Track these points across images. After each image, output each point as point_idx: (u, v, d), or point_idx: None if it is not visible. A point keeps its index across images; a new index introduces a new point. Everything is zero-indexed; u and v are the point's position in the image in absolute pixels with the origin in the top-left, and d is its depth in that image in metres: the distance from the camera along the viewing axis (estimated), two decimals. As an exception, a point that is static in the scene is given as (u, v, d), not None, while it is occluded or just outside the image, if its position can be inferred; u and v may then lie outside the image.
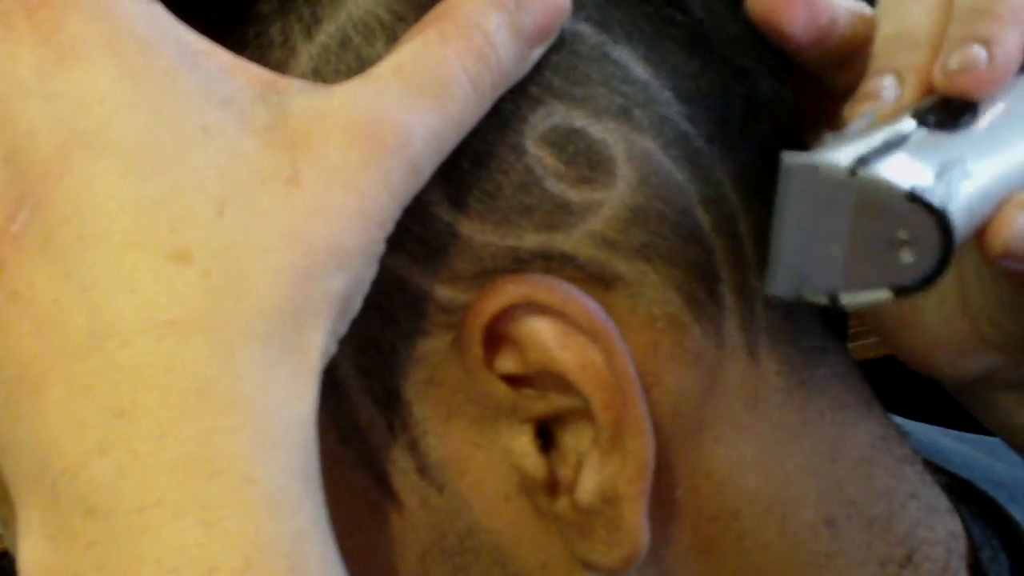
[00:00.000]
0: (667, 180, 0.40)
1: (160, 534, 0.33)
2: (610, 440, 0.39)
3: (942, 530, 0.46)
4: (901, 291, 0.38)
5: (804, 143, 0.44)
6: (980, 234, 0.39)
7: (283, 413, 0.35)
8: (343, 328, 0.37)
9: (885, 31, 0.43)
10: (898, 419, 0.47)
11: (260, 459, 0.34)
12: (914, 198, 0.37)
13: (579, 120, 0.40)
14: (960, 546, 0.46)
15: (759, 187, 0.42)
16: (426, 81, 0.37)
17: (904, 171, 0.38)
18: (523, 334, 0.39)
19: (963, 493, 0.50)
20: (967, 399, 0.48)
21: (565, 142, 0.40)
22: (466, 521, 0.41)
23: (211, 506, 0.33)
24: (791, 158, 0.39)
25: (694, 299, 0.41)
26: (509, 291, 0.39)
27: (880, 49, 0.42)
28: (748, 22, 0.43)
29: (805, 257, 0.39)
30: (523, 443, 0.40)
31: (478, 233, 0.39)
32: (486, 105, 0.38)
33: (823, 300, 0.39)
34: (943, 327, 0.45)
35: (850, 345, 0.47)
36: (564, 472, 0.40)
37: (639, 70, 0.41)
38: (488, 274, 0.40)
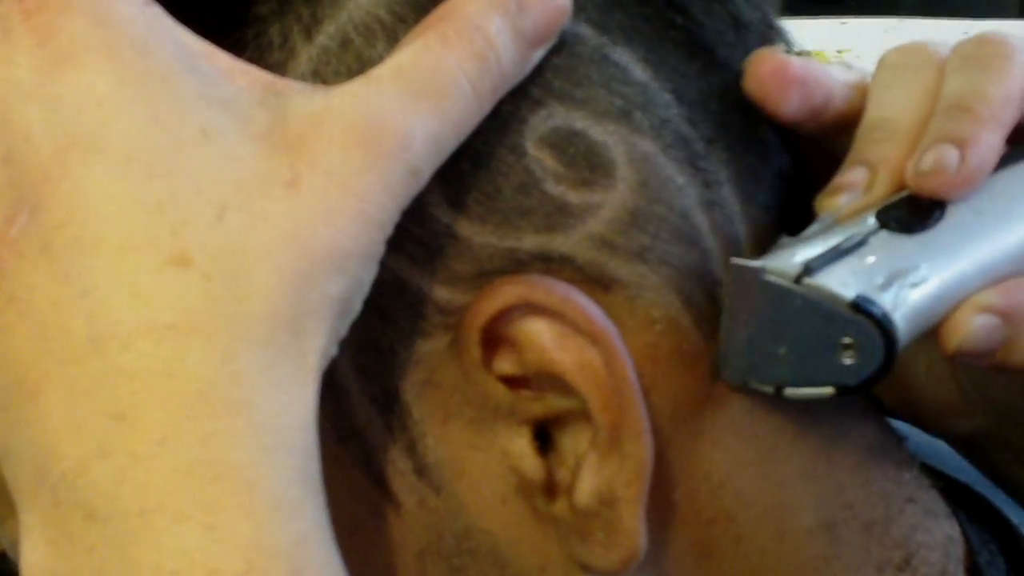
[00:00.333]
0: (667, 182, 0.41)
1: (161, 538, 0.33)
2: (608, 442, 0.39)
3: (940, 534, 0.46)
4: (844, 390, 0.39)
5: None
6: (935, 333, 0.40)
7: (284, 416, 0.35)
8: (343, 330, 0.37)
9: (869, 116, 0.43)
10: (896, 423, 0.47)
11: (261, 462, 0.34)
12: (858, 308, 0.38)
13: (579, 122, 0.40)
14: (958, 550, 0.46)
15: (758, 190, 0.42)
16: (426, 84, 0.37)
17: (851, 279, 0.39)
18: (521, 335, 0.39)
19: (961, 497, 0.50)
20: (969, 455, 0.49)
21: (565, 144, 0.40)
22: (463, 522, 0.41)
23: (212, 510, 0.33)
24: (739, 261, 0.40)
25: (693, 301, 0.41)
26: (507, 292, 0.39)
27: (860, 137, 0.43)
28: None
29: (753, 351, 0.40)
30: (521, 445, 0.40)
31: (477, 234, 0.40)
32: (486, 108, 0.38)
33: (769, 391, 0.41)
34: (933, 388, 0.46)
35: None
36: (562, 474, 0.40)
37: (639, 72, 0.41)
38: (487, 275, 0.40)
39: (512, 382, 0.40)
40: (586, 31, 0.40)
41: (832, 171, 0.43)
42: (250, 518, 0.34)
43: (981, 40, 0.44)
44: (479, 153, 0.39)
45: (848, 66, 0.45)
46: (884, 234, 0.40)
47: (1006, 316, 0.40)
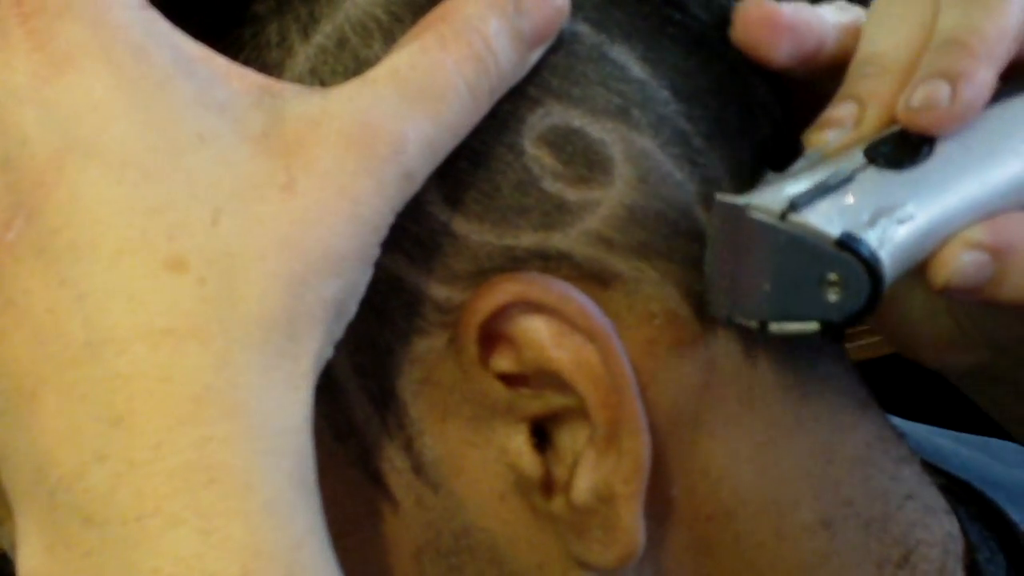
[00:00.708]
0: (665, 179, 0.41)
1: (157, 543, 0.33)
2: (606, 439, 0.40)
3: (939, 531, 0.46)
4: (828, 327, 0.39)
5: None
6: (924, 269, 0.40)
7: (279, 420, 0.35)
8: (339, 332, 0.37)
9: (861, 52, 0.43)
10: (896, 420, 0.47)
11: (257, 466, 0.34)
12: (843, 245, 0.38)
13: (577, 120, 0.40)
14: (957, 547, 0.46)
15: (757, 184, 0.42)
16: (422, 88, 0.37)
17: (837, 215, 0.38)
18: (519, 333, 0.39)
19: (961, 494, 0.50)
20: (967, 389, 0.48)
21: (563, 142, 0.40)
22: (461, 520, 0.41)
23: (208, 514, 0.33)
24: (724, 197, 0.40)
25: (692, 297, 0.41)
26: (505, 290, 0.39)
27: (851, 73, 0.42)
28: None
29: (737, 286, 0.40)
30: (519, 442, 0.40)
31: (475, 232, 0.40)
32: (483, 111, 0.38)
33: (753, 325, 0.40)
34: (929, 323, 0.45)
35: (848, 345, 0.47)
36: (560, 471, 0.40)
37: (637, 69, 0.41)
38: (485, 273, 0.40)
39: (510, 380, 0.40)
40: (584, 29, 0.40)
41: None
42: (246, 522, 0.34)
43: None
44: (477, 152, 0.39)
45: (843, 7, 0.45)
46: (872, 170, 0.40)
47: (994, 252, 0.39)
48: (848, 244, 0.38)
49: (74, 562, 0.34)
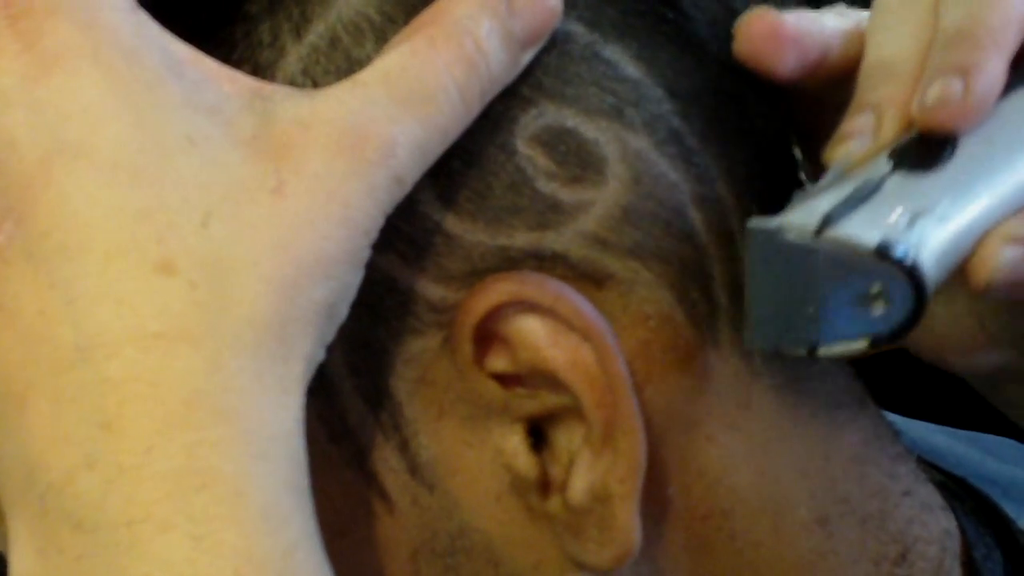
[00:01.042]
0: (660, 178, 0.40)
1: (148, 548, 0.33)
2: (601, 439, 0.39)
3: (936, 528, 0.46)
4: (878, 340, 0.38)
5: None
6: (964, 269, 0.39)
7: (271, 424, 0.35)
8: (330, 335, 0.37)
9: (869, 60, 0.42)
10: (891, 416, 0.47)
11: (248, 471, 0.34)
12: (882, 254, 0.37)
13: (570, 120, 0.40)
14: (954, 544, 0.46)
15: (753, 184, 0.42)
16: (413, 90, 0.37)
17: (872, 225, 0.38)
18: (514, 332, 0.39)
19: (957, 490, 0.50)
20: (986, 392, 0.48)
21: (556, 142, 0.40)
22: (457, 521, 0.41)
23: (199, 519, 0.33)
24: (756, 223, 0.39)
25: (686, 297, 0.41)
26: (499, 289, 0.39)
27: (862, 81, 0.42)
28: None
29: (781, 314, 0.39)
30: (514, 442, 0.40)
31: (469, 232, 0.39)
32: (474, 113, 0.38)
33: (802, 352, 0.39)
34: (952, 325, 0.44)
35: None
36: (556, 471, 0.40)
37: (631, 68, 0.41)
38: (479, 273, 0.39)
39: (505, 379, 0.40)
40: (577, 28, 0.40)
41: (834, 122, 0.42)
42: (238, 528, 0.34)
43: None
44: (470, 152, 0.39)
45: (843, 12, 0.44)
46: (899, 175, 0.39)
47: None
48: (887, 252, 0.37)
49: (65, 567, 0.34)
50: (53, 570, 0.34)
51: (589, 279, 0.40)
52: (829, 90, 0.43)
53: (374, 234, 0.37)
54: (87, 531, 0.34)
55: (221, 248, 0.35)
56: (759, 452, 0.42)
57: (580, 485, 0.40)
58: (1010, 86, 0.41)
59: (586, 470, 0.40)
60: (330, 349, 0.37)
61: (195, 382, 0.34)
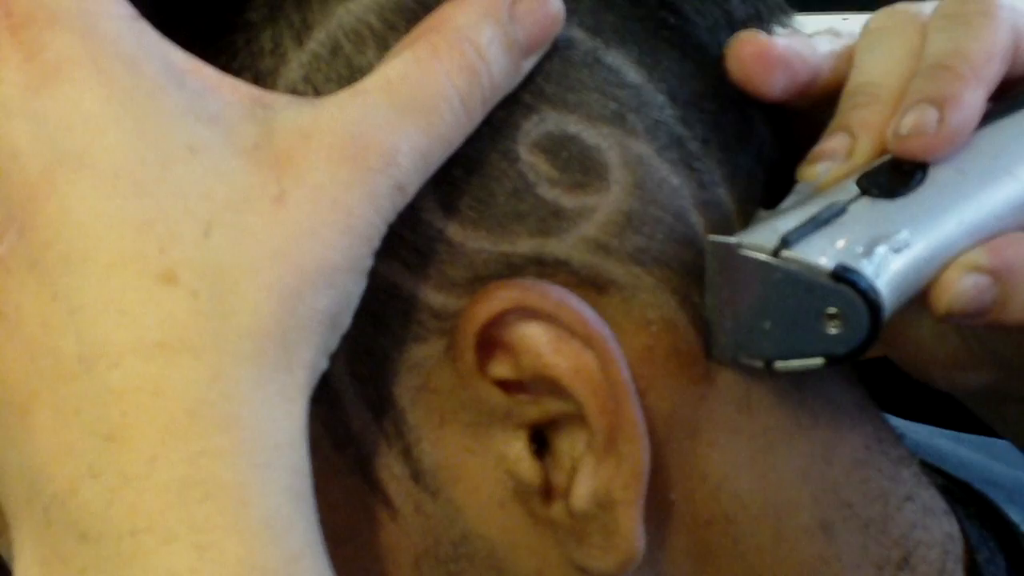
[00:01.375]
0: (662, 184, 0.40)
1: (152, 558, 0.33)
2: (604, 445, 0.39)
3: (939, 532, 0.46)
4: (834, 360, 0.39)
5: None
6: (924, 296, 0.39)
7: (274, 433, 0.35)
8: (333, 344, 0.37)
9: (852, 82, 0.42)
10: (894, 420, 0.47)
11: (252, 480, 0.34)
12: (838, 277, 0.38)
13: (572, 126, 0.40)
14: (957, 548, 0.46)
15: (754, 189, 0.42)
16: (414, 99, 0.37)
17: (830, 247, 0.38)
18: (516, 339, 0.39)
19: (960, 494, 0.50)
20: (977, 409, 0.48)
21: (558, 148, 0.40)
22: (460, 527, 0.41)
23: (203, 529, 0.33)
24: (716, 237, 0.40)
25: (688, 302, 0.41)
26: (502, 296, 0.39)
27: (842, 103, 0.42)
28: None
29: (739, 326, 0.40)
30: (517, 449, 0.40)
31: (471, 239, 0.39)
32: (476, 121, 0.38)
33: (759, 364, 0.40)
34: (938, 343, 0.45)
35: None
36: (559, 477, 0.40)
37: (632, 74, 0.41)
38: (481, 280, 0.39)
39: (508, 386, 0.40)
40: (578, 34, 0.40)
41: None
42: (241, 537, 0.34)
43: None
44: (472, 159, 0.39)
45: (836, 33, 0.44)
46: (865, 201, 0.40)
47: (995, 274, 0.39)
48: (844, 276, 0.38)
49: None
50: None
51: (591, 285, 0.40)
52: (822, 108, 0.43)
53: (376, 242, 0.37)
54: (91, 541, 0.34)
55: (223, 257, 0.35)
56: (761, 457, 0.42)
57: (583, 491, 0.40)
58: (989, 116, 0.41)
59: (589, 476, 0.40)
60: (333, 357, 0.37)
61: (197, 392, 0.34)
